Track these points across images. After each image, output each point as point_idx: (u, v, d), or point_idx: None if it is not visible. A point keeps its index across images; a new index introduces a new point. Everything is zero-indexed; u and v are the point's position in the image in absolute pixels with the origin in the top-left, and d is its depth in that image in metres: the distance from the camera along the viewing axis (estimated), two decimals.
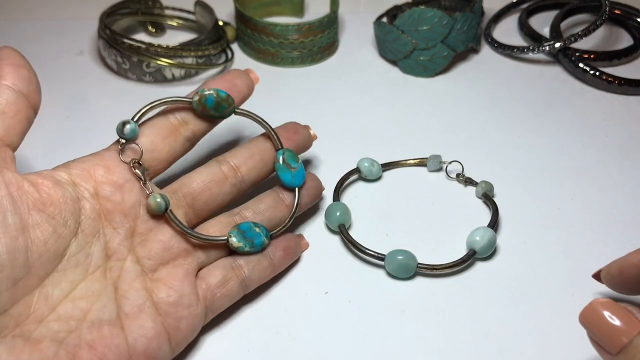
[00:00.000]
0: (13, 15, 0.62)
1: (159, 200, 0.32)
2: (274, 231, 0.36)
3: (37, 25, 0.60)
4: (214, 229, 0.35)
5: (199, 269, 0.34)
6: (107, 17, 0.54)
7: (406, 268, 0.36)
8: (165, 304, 0.31)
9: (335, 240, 0.39)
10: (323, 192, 0.40)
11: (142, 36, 0.58)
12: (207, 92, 0.35)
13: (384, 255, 0.37)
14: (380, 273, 0.37)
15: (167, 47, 0.50)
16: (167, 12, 0.59)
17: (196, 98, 0.35)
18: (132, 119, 0.33)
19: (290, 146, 0.38)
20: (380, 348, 0.33)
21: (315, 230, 0.40)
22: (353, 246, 0.38)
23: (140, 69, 0.51)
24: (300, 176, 0.37)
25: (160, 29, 0.59)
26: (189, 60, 0.51)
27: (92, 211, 0.31)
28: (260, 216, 0.36)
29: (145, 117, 0.34)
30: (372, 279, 0.37)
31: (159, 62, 0.50)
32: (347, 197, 0.42)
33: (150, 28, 0.58)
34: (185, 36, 0.56)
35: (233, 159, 0.36)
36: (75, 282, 0.30)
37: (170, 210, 0.33)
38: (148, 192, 0.32)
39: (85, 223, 0.31)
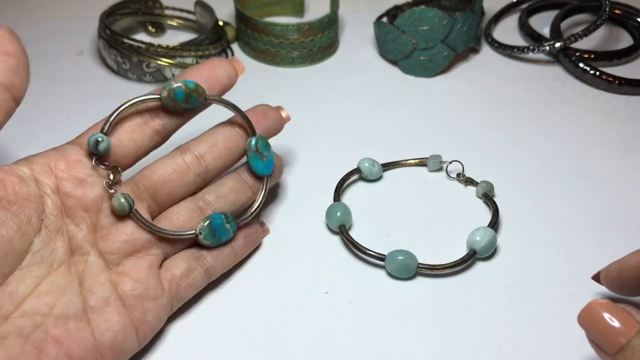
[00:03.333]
0: (13, 15, 0.62)
1: (122, 201, 0.32)
2: (240, 220, 0.36)
3: (37, 25, 0.60)
4: (177, 217, 0.34)
5: (164, 259, 0.34)
6: (107, 17, 0.54)
7: (407, 268, 0.36)
8: (131, 298, 0.31)
9: (336, 240, 0.39)
10: (283, 173, 0.40)
11: (142, 36, 0.58)
12: (175, 86, 0.33)
13: (385, 255, 0.37)
14: (381, 273, 0.37)
15: (167, 47, 0.50)
16: (167, 12, 0.59)
17: (164, 94, 0.33)
18: (102, 130, 0.32)
19: (258, 131, 0.37)
20: (380, 348, 0.33)
21: (315, 231, 0.40)
22: (353, 246, 0.38)
23: (141, 69, 0.51)
24: (271, 164, 0.37)
25: (160, 29, 0.59)
26: (189, 60, 0.51)
27: (55, 207, 0.31)
28: (223, 200, 0.35)
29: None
30: (372, 279, 0.37)
31: (159, 62, 0.50)
32: (347, 197, 0.42)
33: (150, 28, 0.58)
34: (185, 36, 0.56)
35: (197, 148, 0.35)
36: (40, 278, 0.30)
37: (135, 210, 0.32)
38: (112, 193, 0.32)
39: (49, 219, 0.30)
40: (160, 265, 0.34)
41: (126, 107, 0.33)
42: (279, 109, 0.39)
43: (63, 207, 0.31)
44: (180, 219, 0.34)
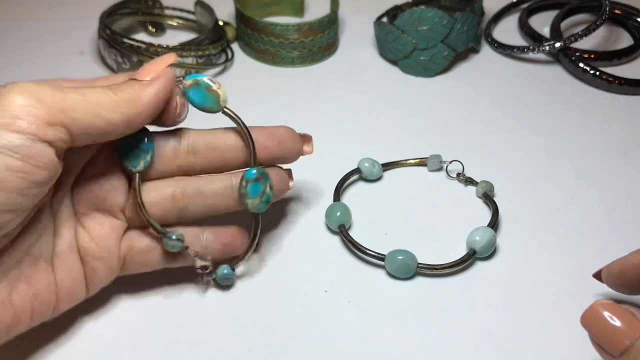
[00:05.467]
0: (13, 15, 0.62)
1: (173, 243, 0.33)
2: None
3: (37, 25, 0.60)
4: (147, 195, 0.33)
5: (130, 226, 0.34)
6: (107, 17, 0.54)
7: (406, 268, 0.36)
8: (86, 251, 0.32)
9: (336, 240, 0.39)
10: (291, 185, 0.37)
11: (142, 36, 0.58)
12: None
13: (384, 255, 0.37)
14: (381, 273, 0.37)
15: (167, 47, 0.50)
16: (167, 12, 0.59)
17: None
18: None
19: (264, 156, 0.35)
20: (380, 348, 0.33)
21: (315, 230, 0.40)
22: (353, 246, 0.38)
23: None
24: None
25: (160, 29, 0.59)
26: (189, 60, 0.51)
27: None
28: (201, 200, 0.34)
29: None
30: (372, 279, 0.37)
31: None
32: (347, 197, 0.42)
33: (150, 28, 0.58)
34: (185, 36, 0.56)
35: (193, 144, 0.34)
36: (29, 216, 0.30)
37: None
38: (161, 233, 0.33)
39: None
40: (127, 232, 0.34)
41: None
42: (304, 139, 0.36)
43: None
44: (149, 198, 0.33)
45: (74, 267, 0.31)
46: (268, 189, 0.34)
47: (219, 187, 0.34)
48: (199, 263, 0.34)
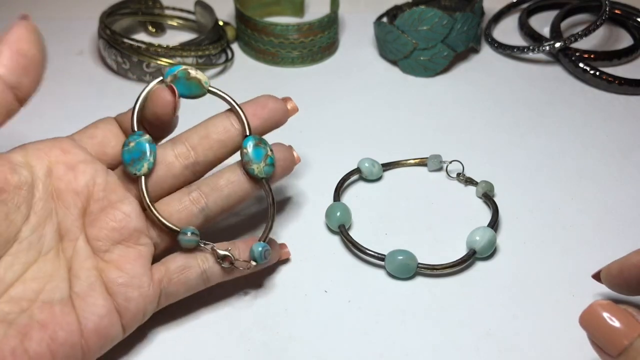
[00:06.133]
0: (13, 15, 0.62)
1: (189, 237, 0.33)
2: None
3: (37, 25, 0.60)
4: (167, 207, 0.34)
5: (160, 253, 0.34)
6: (107, 17, 0.54)
7: (406, 268, 0.36)
8: (114, 285, 0.31)
9: (336, 240, 0.39)
10: (296, 155, 0.37)
11: (142, 36, 0.58)
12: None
13: (384, 255, 0.37)
14: (381, 273, 0.37)
15: (167, 47, 0.50)
16: (167, 12, 0.59)
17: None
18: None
19: (256, 123, 0.35)
20: (380, 348, 0.33)
21: (315, 231, 0.40)
22: (353, 246, 0.38)
23: (141, 69, 0.51)
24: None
25: (160, 29, 0.59)
26: (189, 60, 0.51)
27: (45, 192, 0.31)
28: (217, 193, 0.34)
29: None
30: (372, 279, 0.37)
31: (159, 62, 0.50)
32: (347, 197, 0.42)
33: (150, 28, 0.58)
34: (185, 36, 0.56)
35: (188, 139, 0.35)
36: (28, 264, 0.30)
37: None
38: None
39: (38, 205, 0.31)
40: (160, 260, 0.33)
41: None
42: (285, 100, 0.37)
43: (54, 190, 0.31)
44: (171, 209, 0.34)
45: (99, 303, 0.30)
46: (269, 152, 0.35)
47: (231, 176, 0.35)
48: (220, 253, 0.33)
